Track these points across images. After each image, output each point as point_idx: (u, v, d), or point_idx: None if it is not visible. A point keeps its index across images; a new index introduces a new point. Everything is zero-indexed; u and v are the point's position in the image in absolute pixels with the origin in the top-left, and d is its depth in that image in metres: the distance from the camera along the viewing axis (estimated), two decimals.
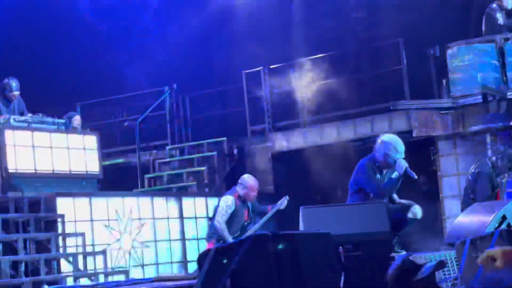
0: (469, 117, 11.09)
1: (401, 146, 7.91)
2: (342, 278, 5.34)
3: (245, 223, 9.33)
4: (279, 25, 14.46)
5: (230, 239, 8.90)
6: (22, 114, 10.87)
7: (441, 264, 3.40)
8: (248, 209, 9.41)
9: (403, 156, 7.86)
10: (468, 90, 10.99)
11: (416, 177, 7.84)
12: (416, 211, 7.92)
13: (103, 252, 9.91)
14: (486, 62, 10.92)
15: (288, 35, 13.86)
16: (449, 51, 11.15)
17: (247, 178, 9.48)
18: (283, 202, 9.46)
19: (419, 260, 3.44)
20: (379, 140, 7.99)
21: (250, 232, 9.02)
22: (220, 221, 9.12)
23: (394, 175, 7.77)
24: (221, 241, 8.90)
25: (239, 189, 9.36)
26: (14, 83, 10.80)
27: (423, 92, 12.00)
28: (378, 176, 7.85)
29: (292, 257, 4.42)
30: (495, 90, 10.64)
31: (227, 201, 9.26)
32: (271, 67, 13.62)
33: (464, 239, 5.53)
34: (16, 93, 10.84)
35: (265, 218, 9.36)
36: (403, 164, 7.76)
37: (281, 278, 4.36)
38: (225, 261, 4.38)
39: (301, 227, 6.54)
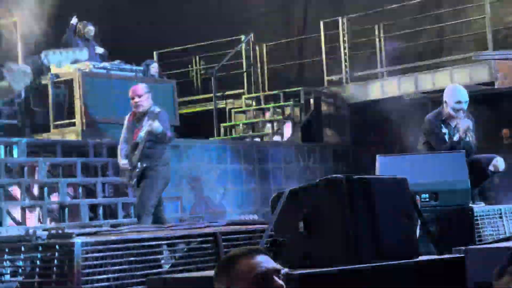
0: None
1: (459, 93, 7.45)
2: (418, 227, 5.22)
3: (133, 142, 7.80)
4: None
5: (118, 159, 7.96)
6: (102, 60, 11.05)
7: None
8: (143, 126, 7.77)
9: (463, 104, 7.43)
10: None
11: (472, 146, 7.43)
12: (499, 164, 7.64)
13: (178, 199, 10.02)
14: None
15: None
16: None
17: None
18: (152, 124, 7.71)
19: None
20: None
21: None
22: (119, 141, 8.08)
23: (456, 137, 7.45)
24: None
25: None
26: (92, 28, 11.02)
27: (505, 42, 11.61)
28: (444, 130, 7.55)
29: (367, 201, 4.33)
30: None
31: None
32: (350, 16, 13.38)
33: None
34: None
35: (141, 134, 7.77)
36: (465, 124, 7.37)
37: (355, 222, 4.29)
38: (298, 204, 4.33)
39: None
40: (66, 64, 3.13)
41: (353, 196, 4.29)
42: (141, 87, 7.86)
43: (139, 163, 7.62)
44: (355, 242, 4.25)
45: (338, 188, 4.28)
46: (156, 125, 7.61)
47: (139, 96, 7.74)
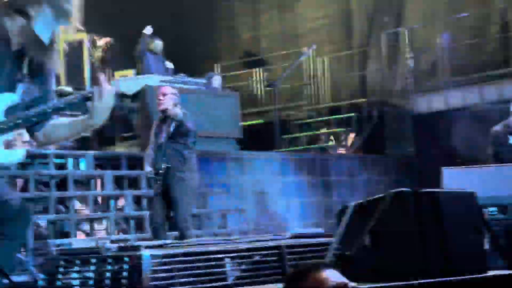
0: None
1: None
2: (487, 241, 5.13)
3: (159, 144, 7.62)
4: None
5: (146, 167, 7.82)
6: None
7: None
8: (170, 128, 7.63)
9: None
10: None
11: None
12: None
13: (242, 211, 10.06)
14: None
15: None
16: None
17: None
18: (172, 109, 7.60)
19: None
20: None
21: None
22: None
23: None
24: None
25: None
26: (160, 42, 11.18)
27: None
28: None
29: (435, 215, 4.29)
30: None
31: None
32: (412, 27, 13.28)
33: None
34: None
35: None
36: None
37: (422, 236, 4.25)
38: (364, 217, 4.31)
39: (444, 187, 6.36)
40: (136, 90, 3.16)
41: (420, 210, 4.26)
42: (168, 88, 7.84)
43: (162, 165, 7.47)
44: (422, 256, 4.21)
45: (405, 202, 4.25)
46: (178, 111, 7.55)
47: (164, 95, 7.65)
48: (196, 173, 7.74)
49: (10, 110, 2.92)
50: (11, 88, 2.98)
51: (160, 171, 7.45)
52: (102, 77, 2.98)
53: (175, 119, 7.51)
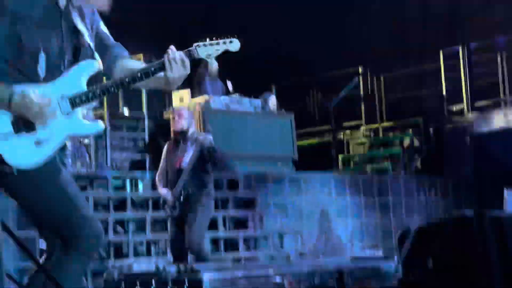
0: None
1: None
2: None
3: (177, 169, 7.35)
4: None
5: (158, 189, 7.50)
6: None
7: None
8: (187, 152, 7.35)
9: None
10: None
11: None
12: None
13: (299, 233, 10.01)
14: None
15: (489, 9, 13.22)
16: None
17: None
18: (206, 137, 7.36)
19: None
20: None
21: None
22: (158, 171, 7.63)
23: None
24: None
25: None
26: (216, 62, 11.23)
27: None
28: None
29: (499, 239, 4.19)
30: None
31: None
32: (471, 44, 13.11)
33: None
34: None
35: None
36: None
37: (486, 260, 4.16)
38: (427, 241, 4.24)
39: (506, 210, 6.22)
40: (215, 55, 3.12)
41: (484, 232, 4.17)
42: (185, 110, 7.63)
43: (182, 192, 7.21)
44: (487, 279, 4.12)
45: (469, 224, 4.17)
46: (209, 138, 7.32)
47: (179, 116, 7.45)
48: (212, 197, 7.58)
49: (91, 80, 3.10)
50: (92, 55, 3.14)
51: (182, 198, 7.22)
52: (172, 47, 3.09)
53: (206, 145, 7.24)
